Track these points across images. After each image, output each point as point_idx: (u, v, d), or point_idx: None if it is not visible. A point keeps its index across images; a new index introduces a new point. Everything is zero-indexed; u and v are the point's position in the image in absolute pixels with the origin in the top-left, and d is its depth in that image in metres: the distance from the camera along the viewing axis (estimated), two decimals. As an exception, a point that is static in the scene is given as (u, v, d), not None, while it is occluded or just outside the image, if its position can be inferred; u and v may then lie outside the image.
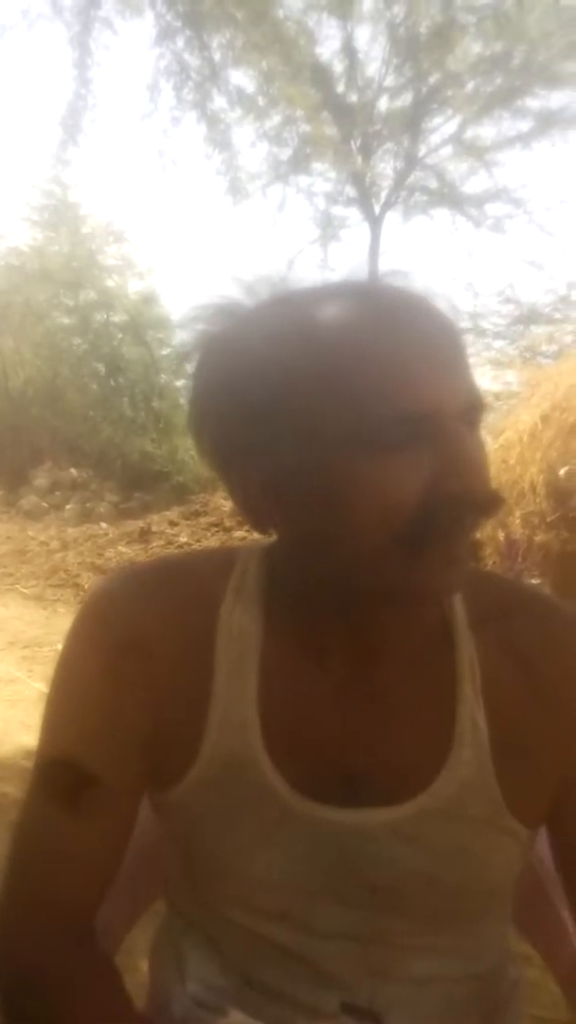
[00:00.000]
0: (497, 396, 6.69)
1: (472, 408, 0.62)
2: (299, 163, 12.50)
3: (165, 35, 5.53)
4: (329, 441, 0.61)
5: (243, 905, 0.71)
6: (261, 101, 9.27)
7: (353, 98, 12.35)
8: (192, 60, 5.62)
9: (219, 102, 6.08)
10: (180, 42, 5.50)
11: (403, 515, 0.60)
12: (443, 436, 0.59)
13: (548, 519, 4.70)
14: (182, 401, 12.16)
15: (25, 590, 6.10)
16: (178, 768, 0.70)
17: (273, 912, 0.70)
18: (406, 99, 12.34)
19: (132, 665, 0.70)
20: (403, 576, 0.62)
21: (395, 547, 0.61)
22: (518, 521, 4.76)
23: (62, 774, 0.70)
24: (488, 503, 0.62)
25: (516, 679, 0.69)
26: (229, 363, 0.65)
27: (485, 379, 6.93)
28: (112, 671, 0.70)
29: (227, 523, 7.28)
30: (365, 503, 0.60)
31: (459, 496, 0.59)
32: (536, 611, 0.73)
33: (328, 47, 11.60)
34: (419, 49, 10.88)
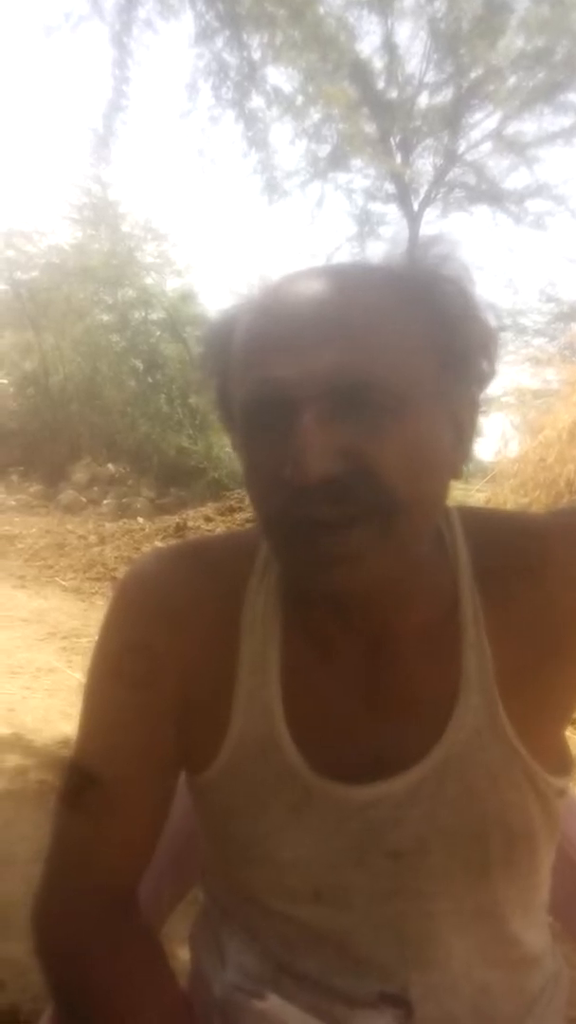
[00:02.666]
0: (536, 394, 6.61)
1: (337, 388, 0.58)
2: (338, 160, 12.47)
3: (204, 35, 5.56)
4: (237, 423, 0.65)
5: (276, 889, 0.72)
6: (300, 99, 9.27)
7: (393, 94, 12.31)
8: (231, 59, 5.65)
9: (257, 101, 6.10)
10: (219, 42, 5.53)
11: (265, 503, 0.62)
12: (292, 421, 0.58)
13: (586, 518, 4.65)
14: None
15: (64, 582, 6.19)
16: (207, 752, 0.71)
17: (306, 893, 0.70)
18: (446, 95, 12.28)
19: (164, 638, 0.71)
20: (289, 567, 0.63)
21: (271, 535, 0.63)
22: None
23: (97, 755, 0.72)
24: (309, 491, 0.57)
25: (520, 600, 0.68)
26: (204, 340, 0.71)
27: (524, 376, 6.84)
28: (145, 644, 0.71)
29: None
30: (248, 486, 0.64)
31: (289, 483, 0.57)
32: (531, 530, 0.73)
33: (368, 43, 11.62)
34: (460, 44, 10.79)
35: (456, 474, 0.66)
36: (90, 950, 0.69)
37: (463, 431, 0.66)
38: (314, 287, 0.61)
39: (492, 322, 0.66)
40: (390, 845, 0.68)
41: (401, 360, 0.59)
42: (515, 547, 0.70)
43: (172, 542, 7.19)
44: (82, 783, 0.72)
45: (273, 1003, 0.72)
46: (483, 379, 0.66)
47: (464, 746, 0.67)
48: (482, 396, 0.68)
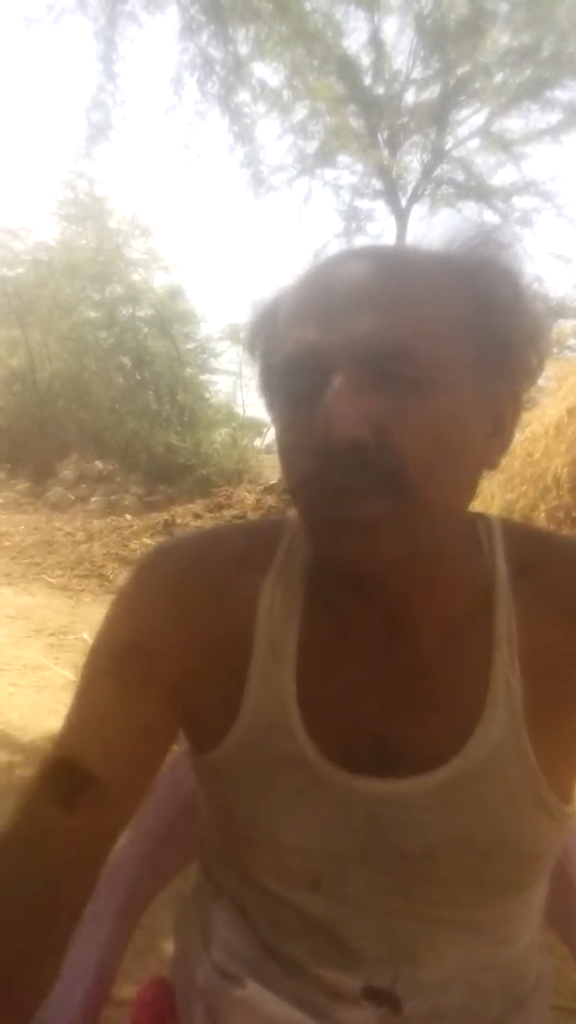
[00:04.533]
0: (523, 390, 6.64)
1: (369, 355, 0.58)
2: (325, 156, 12.47)
3: (189, 29, 5.53)
4: (271, 402, 0.68)
5: (275, 872, 0.72)
6: (286, 95, 9.25)
7: (380, 91, 12.30)
8: (216, 54, 5.63)
9: (243, 96, 6.08)
10: (204, 36, 5.51)
11: (293, 468, 0.62)
12: (323, 385, 0.58)
13: (573, 513, 4.67)
14: (206, 395, 12.23)
15: (52, 580, 6.17)
16: (216, 732, 0.71)
17: (305, 880, 0.70)
18: (433, 91, 12.27)
19: (172, 626, 0.70)
20: (310, 535, 0.63)
21: (297, 502, 0.63)
22: (543, 515, 4.73)
23: (76, 738, 0.69)
24: (332, 455, 0.57)
25: (558, 631, 0.67)
26: (250, 320, 0.72)
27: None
28: (150, 632, 0.71)
29: (251, 516, 7.31)
30: (280, 455, 0.65)
31: (315, 446, 0.58)
32: (571, 548, 0.71)
33: (355, 39, 11.56)
34: (447, 41, 10.80)
35: (491, 465, 0.66)
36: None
37: (502, 424, 0.65)
38: (359, 261, 0.63)
39: (543, 318, 0.65)
40: (397, 847, 0.68)
41: (438, 338, 0.59)
42: (559, 576, 0.69)
43: (160, 539, 7.19)
44: (57, 771, 0.69)
45: (254, 991, 0.72)
46: (530, 374, 0.66)
47: (484, 761, 0.66)
48: (527, 393, 0.67)
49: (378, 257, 0.63)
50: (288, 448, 0.63)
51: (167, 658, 0.70)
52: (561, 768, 0.69)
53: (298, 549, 0.73)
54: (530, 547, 0.72)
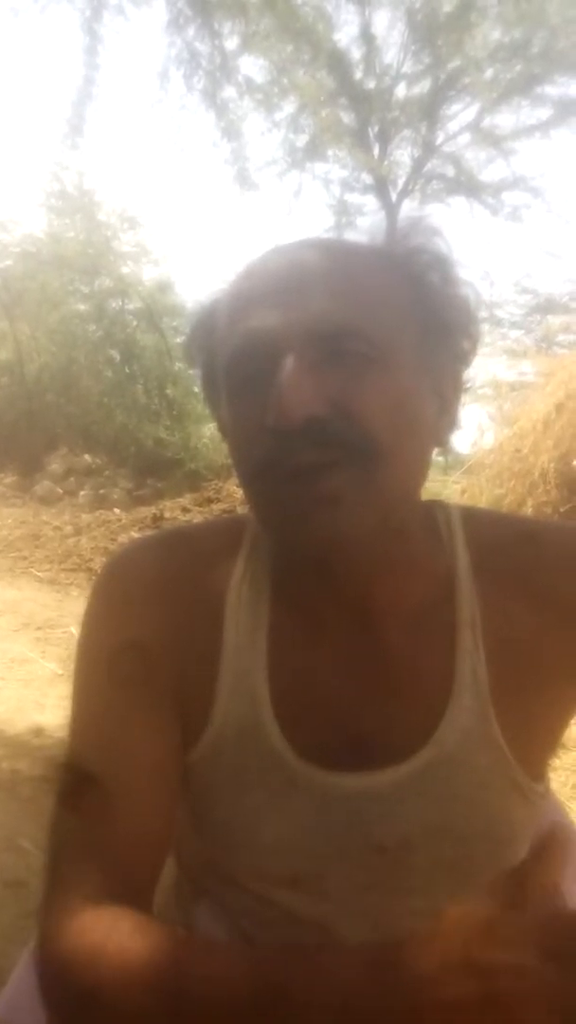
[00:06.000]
0: (512, 386, 6.65)
1: (322, 335, 0.59)
2: (315, 150, 12.44)
3: (176, 22, 5.49)
4: (216, 386, 0.68)
5: (255, 872, 0.72)
6: (273, 90, 9.23)
7: (371, 85, 12.28)
8: (203, 48, 5.59)
9: (229, 91, 6.05)
10: (191, 30, 5.46)
11: (248, 454, 0.63)
12: (276, 369, 0.59)
13: (561, 509, 4.69)
14: (196, 389, 12.15)
15: (39, 573, 6.15)
16: (191, 732, 0.71)
17: (284, 879, 0.71)
18: (424, 86, 12.28)
19: (150, 627, 0.70)
20: (271, 519, 0.63)
21: (253, 488, 0.63)
22: (531, 510, 4.75)
23: (98, 756, 0.67)
24: (291, 432, 0.57)
25: (521, 612, 0.68)
26: (190, 322, 0.73)
27: (500, 368, 6.88)
28: (134, 636, 0.70)
29: (240, 510, 7.30)
30: (232, 446, 0.65)
31: (271, 429, 0.58)
32: (534, 535, 0.72)
33: (346, 33, 11.54)
34: (437, 35, 10.79)
35: (440, 442, 0.68)
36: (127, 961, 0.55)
37: (447, 403, 0.67)
38: (299, 251, 0.64)
39: (472, 303, 0.68)
40: (374, 839, 0.68)
41: (383, 317, 0.62)
42: (519, 558, 0.70)
43: (149, 532, 7.16)
44: (82, 784, 0.67)
45: None
46: (465, 357, 0.69)
47: (454, 747, 0.66)
48: (465, 374, 0.70)
49: (318, 246, 0.65)
50: (243, 435, 0.63)
51: (159, 656, 0.70)
52: (532, 749, 0.69)
53: (261, 547, 0.73)
54: (490, 531, 0.72)
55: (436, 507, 0.74)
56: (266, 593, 0.71)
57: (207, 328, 0.69)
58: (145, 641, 0.70)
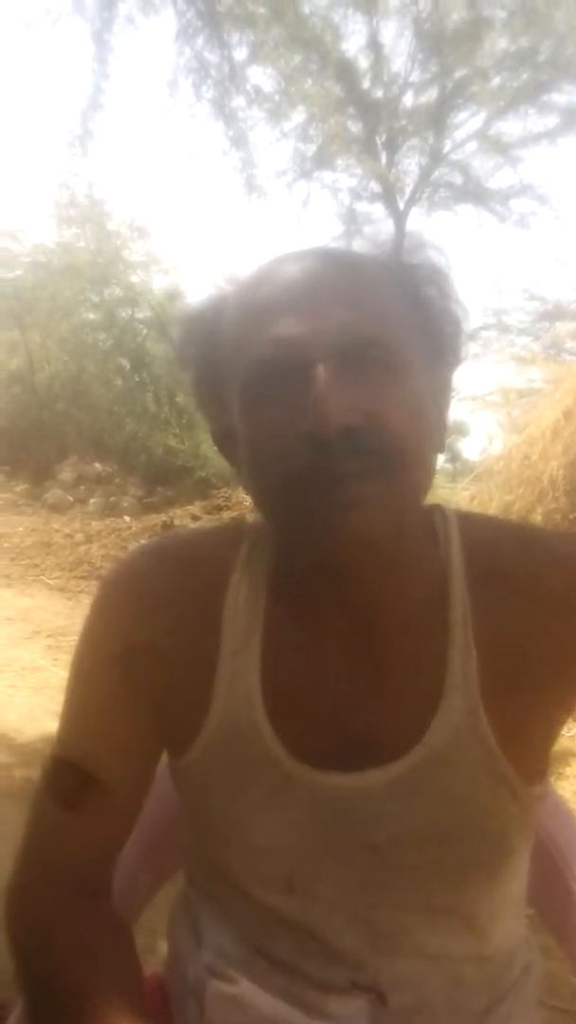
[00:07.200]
0: (521, 392, 6.65)
1: (347, 345, 0.61)
2: (324, 159, 12.47)
3: (185, 33, 5.53)
4: (229, 397, 0.68)
5: (250, 874, 0.72)
6: (281, 99, 9.26)
7: (378, 94, 12.30)
8: (212, 58, 5.63)
9: (239, 101, 6.08)
10: (200, 40, 5.50)
11: (278, 462, 0.63)
12: (306, 378, 0.60)
13: (570, 516, 4.68)
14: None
15: (50, 581, 6.18)
16: (187, 735, 0.71)
17: (278, 882, 0.71)
18: (431, 95, 12.27)
19: (144, 632, 0.72)
20: (301, 525, 0.63)
21: (284, 496, 0.64)
22: (540, 518, 4.74)
23: (78, 745, 0.74)
24: (328, 441, 0.59)
25: (513, 612, 0.68)
26: (183, 334, 0.73)
27: (509, 375, 6.88)
28: (124, 639, 0.73)
29: (250, 518, 7.26)
30: (254, 453, 0.65)
31: (309, 435, 0.59)
32: (527, 538, 0.74)
33: (354, 43, 11.57)
34: (445, 44, 10.79)
35: (441, 449, 0.70)
36: (56, 926, 0.71)
37: (442, 409, 0.70)
38: (311, 260, 0.66)
39: (464, 312, 0.71)
40: (366, 839, 0.69)
41: (398, 329, 0.64)
42: (512, 559, 0.71)
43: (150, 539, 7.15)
44: (63, 774, 0.73)
45: (245, 988, 0.73)
46: (455, 366, 0.72)
47: (444, 747, 0.67)
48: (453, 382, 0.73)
49: (329, 256, 0.68)
50: (271, 443, 0.63)
51: (148, 665, 0.72)
52: (525, 748, 0.70)
53: (260, 551, 0.75)
54: (484, 533, 0.74)
55: (434, 510, 0.75)
56: (263, 596, 0.72)
57: (207, 334, 0.70)
58: (135, 649, 0.72)
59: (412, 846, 0.69)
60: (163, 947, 0.90)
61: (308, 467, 0.60)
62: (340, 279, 0.64)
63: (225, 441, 0.72)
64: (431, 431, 0.66)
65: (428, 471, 0.67)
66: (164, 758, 0.77)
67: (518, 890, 0.78)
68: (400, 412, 0.62)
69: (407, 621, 0.70)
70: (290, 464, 0.62)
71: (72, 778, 0.73)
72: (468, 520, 0.75)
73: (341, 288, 0.63)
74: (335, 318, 0.61)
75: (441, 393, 0.70)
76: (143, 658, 0.72)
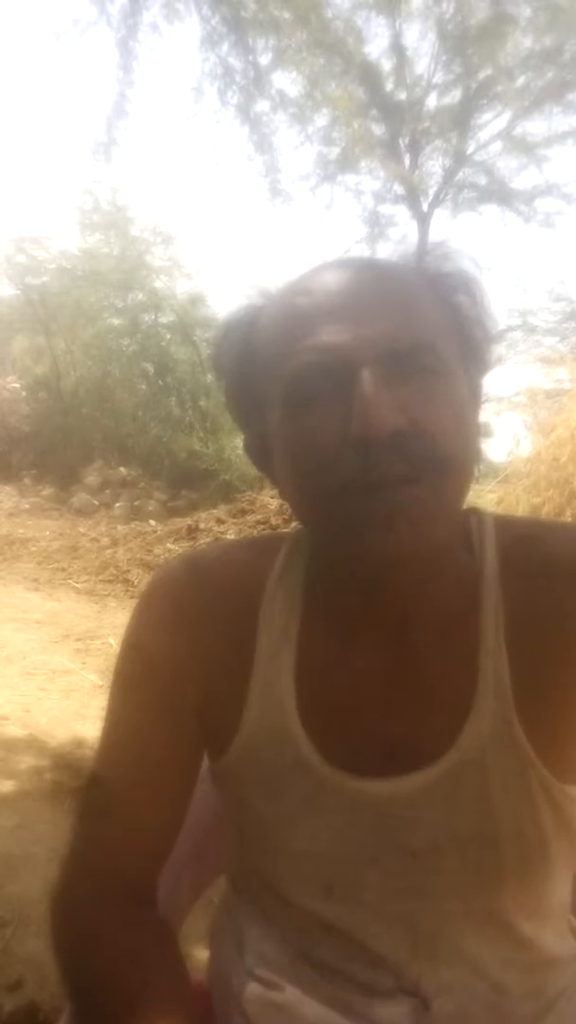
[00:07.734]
0: (548, 393, 6.59)
1: (391, 351, 0.61)
2: (347, 162, 12.49)
3: (210, 39, 5.57)
4: (267, 405, 0.67)
5: (291, 879, 0.72)
6: (305, 103, 9.28)
7: (402, 96, 12.31)
8: (236, 63, 5.66)
9: (263, 105, 6.11)
10: (225, 46, 5.54)
11: (323, 469, 0.62)
12: (351, 384, 0.60)
13: (599, 518, 4.64)
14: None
15: (77, 585, 6.22)
16: (224, 739, 0.72)
17: (318, 888, 0.71)
18: (455, 96, 12.27)
19: (185, 643, 0.74)
20: (346, 533, 0.63)
21: (328, 503, 0.63)
22: (570, 520, 4.70)
23: (121, 758, 0.74)
24: (374, 443, 0.59)
25: (547, 615, 0.68)
26: (217, 344, 0.74)
27: (535, 376, 6.83)
28: (169, 646, 0.74)
29: (274, 521, 7.31)
30: (297, 461, 0.65)
31: (355, 439, 0.59)
32: (561, 535, 0.73)
33: (377, 45, 11.61)
34: (468, 45, 10.78)
35: (479, 455, 0.70)
36: (103, 933, 0.71)
37: (476, 413, 0.70)
38: (351, 268, 0.67)
39: (493, 322, 0.71)
40: (405, 845, 0.68)
41: (439, 334, 0.64)
42: (546, 559, 0.70)
43: (184, 544, 7.24)
44: (104, 787, 0.74)
45: (291, 995, 0.72)
46: (487, 368, 0.72)
47: (478, 752, 0.67)
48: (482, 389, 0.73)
49: (367, 264, 0.69)
50: (317, 449, 0.63)
51: (185, 678, 0.73)
52: (561, 751, 0.69)
53: (296, 559, 0.75)
54: (521, 534, 0.73)
55: (471, 514, 0.75)
56: (298, 604, 0.73)
57: (243, 344, 0.70)
58: (176, 658, 0.73)
59: (450, 851, 0.68)
60: (199, 953, 0.90)
61: (354, 473, 0.60)
62: (380, 286, 0.65)
63: (260, 451, 0.72)
64: (472, 437, 0.66)
65: (470, 477, 0.66)
66: (206, 763, 0.77)
67: (562, 897, 0.77)
68: (446, 417, 0.61)
69: (440, 625, 0.70)
70: (335, 470, 0.61)
71: (114, 790, 0.73)
72: (504, 522, 0.75)
73: (382, 295, 0.64)
74: (378, 324, 0.62)
75: (476, 398, 0.70)
76: (183, 667, 0.73)
